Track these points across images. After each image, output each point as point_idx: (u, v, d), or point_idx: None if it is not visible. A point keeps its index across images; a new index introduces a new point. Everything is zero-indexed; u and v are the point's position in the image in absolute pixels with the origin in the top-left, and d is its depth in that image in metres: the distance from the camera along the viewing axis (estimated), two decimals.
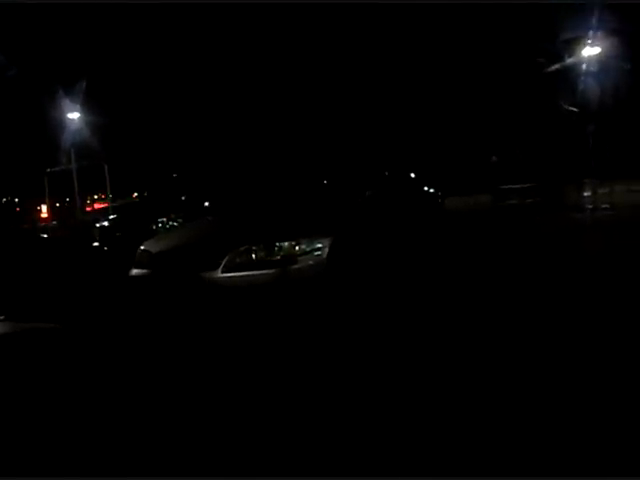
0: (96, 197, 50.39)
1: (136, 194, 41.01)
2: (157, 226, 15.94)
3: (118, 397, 3.82)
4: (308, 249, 4.93)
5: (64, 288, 7.15)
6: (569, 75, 23.87)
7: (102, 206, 37.37)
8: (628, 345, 4.19)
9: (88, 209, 41.67)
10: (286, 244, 4.90)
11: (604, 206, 19.20)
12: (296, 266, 4.84)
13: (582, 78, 23.46)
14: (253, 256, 4.84)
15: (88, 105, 28.55)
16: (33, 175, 35.73)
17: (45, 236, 15.29)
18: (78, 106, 28.49)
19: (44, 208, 41.50)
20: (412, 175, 8.79)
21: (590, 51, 23.19)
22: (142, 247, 5.78)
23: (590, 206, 19.83)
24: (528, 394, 3.48)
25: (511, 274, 7.58)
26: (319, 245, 4.97)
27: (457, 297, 6.33)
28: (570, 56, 23.55)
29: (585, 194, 21.70)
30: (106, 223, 17.04)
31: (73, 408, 3.48)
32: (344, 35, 31.43)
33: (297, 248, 4.89)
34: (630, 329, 4.55)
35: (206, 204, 19.33)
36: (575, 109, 24.30)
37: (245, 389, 3.94)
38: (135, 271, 5.51)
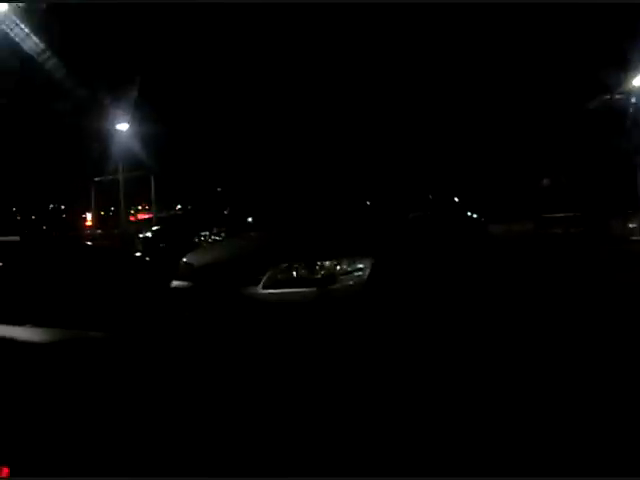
0: (140, 208, 51.25)
1: (179, 207, 41.57)
2: (199, 239, 16.08)
3: (155, 408, 3.86)
4: (349, 269, 4.92)
5: (106, 296, 7.24)
6: (619, 106, 23.58)
7: (146, 217, 38.00)
8: None
9: (132, 219, 42.45)
10: (327, 263, 4.89)
11: None
12: (337, 285, 4.83)
13: (632, 110, 23.13)
14: (294, 273, 4.85)
15: (137, 116, 29.20)
16: (81, 183, 36.56)
17: (89, 244, 15.57)
18: (127, 117, 29.14)
19: (89, 216, 42.41)
20: (456, 199, 8.74)
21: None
22: (184, 259, 5.85)
23: (636, 238, 19.47)
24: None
25: (549, 304, 7.49)
26: (360, 266, 4.95)
27: (496, 323, 6.27)
28: (620, 87, 23.28)
29: (631, 226, 21.33)
30: (149, 234, 17.24)
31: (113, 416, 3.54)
32: (399, 57, 31.61)
33: (338, 268, 4.88)
34: None
35: (249, 219, 19.49)
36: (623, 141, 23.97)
37: (278, 405, 3.94)
38: (176, 283, 5.56)
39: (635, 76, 22.75)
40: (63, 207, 55.22)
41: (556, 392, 4.00)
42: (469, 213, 9.11)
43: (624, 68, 22.80)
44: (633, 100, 22.89)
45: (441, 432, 3.49)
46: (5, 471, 2.58)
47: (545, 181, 29.21)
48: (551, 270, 11.56)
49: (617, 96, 23.39)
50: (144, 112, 29.97)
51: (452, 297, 6.34)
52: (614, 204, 22.30)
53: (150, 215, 33.71)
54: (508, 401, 3.96)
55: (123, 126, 29.53)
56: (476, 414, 3.75)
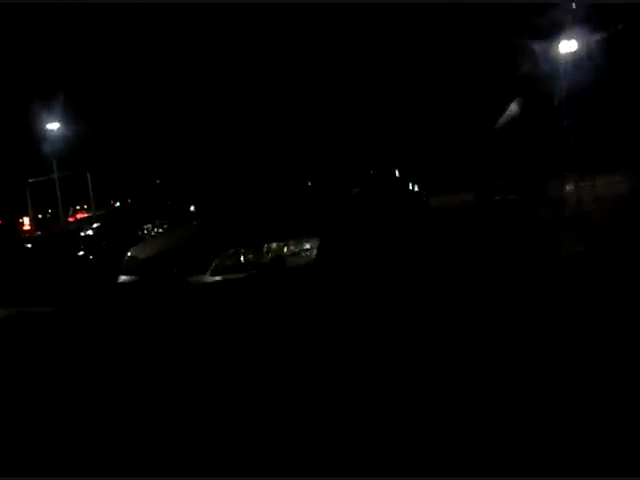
0: (78, 207, 49.92)
1: (118, 203, 40.67)
2: (143, 232, 15.81)
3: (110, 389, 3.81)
4: (297, 250, 4.91)
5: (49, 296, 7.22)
6: (548, 69, 24.14)
7: (85, 215, 37.06)
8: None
9: (71, 219, 41.33)
10: (274, 245, 4.87)
11: (587, 200, 19.36)
12: (285, 267, 4.83)
13: (562, 71, 23.69)
14: (242, 258, 4.81)
15: (67, 114, 28.42)
16: (13, 187, 35.40)
17: (29, 246, 15.16)
18: (58, 116, 28.33)
19: (26, 220, 41.09)
20: (397, 173, 8.80)
21: (567, 46, 23.46)
22: (129, 254, 5.75)
23: (572, 200, 19.98)
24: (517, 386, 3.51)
25: (491, 270, 7.65)
26: (307, 246, 4.95)
27: (440, 292, 6.38)
28: (547, 52, 23.81)
29: (567, 188, 21.87)
30: (90, 232, 16.88)
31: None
32: (327, 34, 31.47)
33: (285, 249, 4.87)
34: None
35: (192, 208, 19.25)
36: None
37: (237, 389, 3.92)
38: (123, 278, 5.47)
39: (562, 42, 23.35)
40: None
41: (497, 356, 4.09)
42: (410, 186, 9.19)
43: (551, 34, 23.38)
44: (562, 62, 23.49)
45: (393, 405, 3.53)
46: None
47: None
48: (488, 244, 11.72)
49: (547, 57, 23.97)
50: (74, 110, 29.21)
51: (398, 271, 6.41)
52: (550, 168, 22.82)
53: (89, 214, 32.89)
54: (448, 371, 4.03)
55: (54, 125, 28.72)
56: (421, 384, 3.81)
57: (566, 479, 2.62)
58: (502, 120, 28.98)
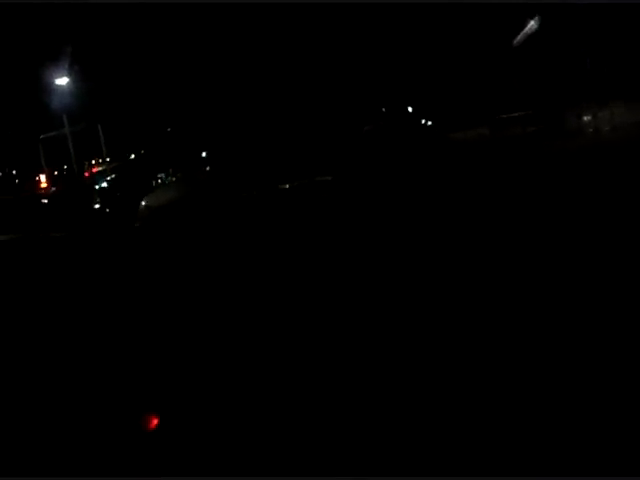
0: (93, 162, 49.80)
1: (133, 155, 40.49)
2: (157, 182, 15.78)
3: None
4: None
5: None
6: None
7: (99, 169, 37.00)
8: None
9: (86, 174, 41.38)
10: (287, 187, 4.86)
11: (606, 129, 18.96)
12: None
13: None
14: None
15: (75, 68, 28.06)
16: (27, 144, 35.30)
17: (45, 201, 15.24)
18: (66, 70, 28.01)
19: (43, 177, 41.11)
20: (409, 109, 8.63)
21: None
22: (143, 203, 5.80)
23: (591, 130, 19.57)
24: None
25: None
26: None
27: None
28: None
29: (585, 118, 21.40)
30: (105, 184, 16.86)
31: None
32: None
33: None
34: None
35: (203, 154, 19.13)
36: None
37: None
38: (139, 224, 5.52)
39: None
40: (14, 172, 53.44)
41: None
42: (423, 121, 9.04)
43: None
44: None
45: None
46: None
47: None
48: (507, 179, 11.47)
49: None
50: (82, 63, 28.82)
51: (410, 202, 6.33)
52: (568, 98, 22.30)
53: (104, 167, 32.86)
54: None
55: (63, 80, 28.41)
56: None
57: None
58: (516, 51, 28.24)
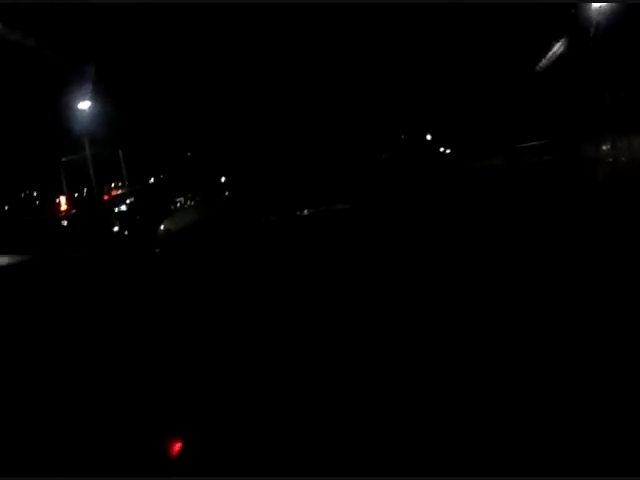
0: (113, 185, 50.18)
1: (152, 179, 40.90)
2: (176, 206, 15.96)
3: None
4: None
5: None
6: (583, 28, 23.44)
7: (119, 192, 37.33)
8: None
9: (105, 197, 41.75)
10: (305, 213, 4.92)
11: (624, 159, 18.86)
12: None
13: (593, 30, 22.98)
14: None
15: (98, 93, 28.51)
16: (48, 167, 35.72)
17: (65, 223, 15.40)
18: (88, 94, 28.45)
19: (63, 200, 41.47)
20: (428, 137, 8.71)
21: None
22: (162, 226, 5.87)
23: (610, 160, 19.48)
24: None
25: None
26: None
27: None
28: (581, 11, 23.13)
29: (604, 148, 21.31)
30: (124, 207, 17.06)
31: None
32: None
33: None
34: None
35: (222, 179, 19.30)
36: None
37: None
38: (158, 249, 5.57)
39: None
40: (35, 194, 53.97)
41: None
42: (442, 149, 9.11)
43: None
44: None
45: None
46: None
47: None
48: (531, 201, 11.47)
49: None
50: (104, 88, 29.28)
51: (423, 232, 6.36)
52: (585, 128, 22.27)
53: (124, 191, 33.17)
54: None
55: (85, 104, 28.88)
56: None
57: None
58: (535, 79, 28.33)
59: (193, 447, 3.08)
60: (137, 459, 2.97)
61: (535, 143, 22.99)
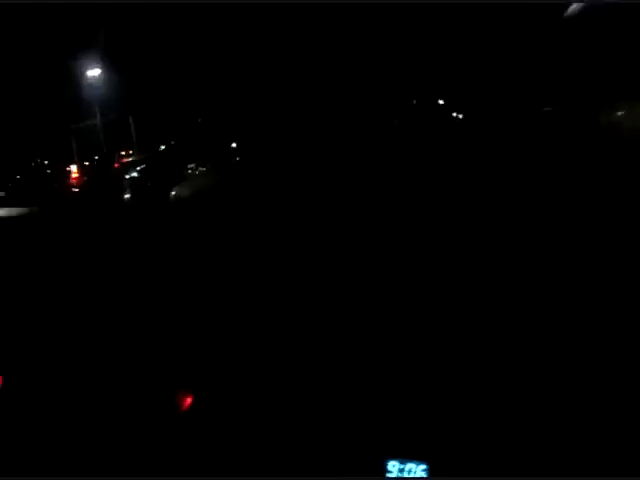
0: (123, 153, 50.21)
1: (163, 146, 40.89)
2: (187, 172, 15.95)
3: None
4: None
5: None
6: None
7: (130, 159, 37.37)
8: None
9: (116, 165, 41.80)
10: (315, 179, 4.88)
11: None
12: None
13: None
14: None
15: (106, 59, 28.39)
16: (58, 135, 35.76)
17: (76, 191, 15.46)
18: (97, 61, 28.35)
19: (74, 168, 41.62)
20: (440, 102, 8.60)
21: None
22: (173, 192, 5.87)
23: (626, 125, 19.27)
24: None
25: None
26: None
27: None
28: None
29: (619, 113, 21.09)
30: (135, 174, 17.08)
31: None
32: None
33: None
34: None
35: (233, 145, 19.19)
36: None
37: None
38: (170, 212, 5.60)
39: None
40: (46, 162, 54.14)
41: None
42: (454, 114, 9.00)
43: None
44: None
45: None
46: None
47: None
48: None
49: None
50: (114, 54, 29.11)
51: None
52: (595, 93, 22.03)
53: (135, 158, 33.18)
54: None
55: (95, 71, 28.78)
56: None
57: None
58: (550, 44, 27.86)
59: (204, 402, 3.10)
60: (147, 413, 2.99)
61: (550, 108, 22.78)
